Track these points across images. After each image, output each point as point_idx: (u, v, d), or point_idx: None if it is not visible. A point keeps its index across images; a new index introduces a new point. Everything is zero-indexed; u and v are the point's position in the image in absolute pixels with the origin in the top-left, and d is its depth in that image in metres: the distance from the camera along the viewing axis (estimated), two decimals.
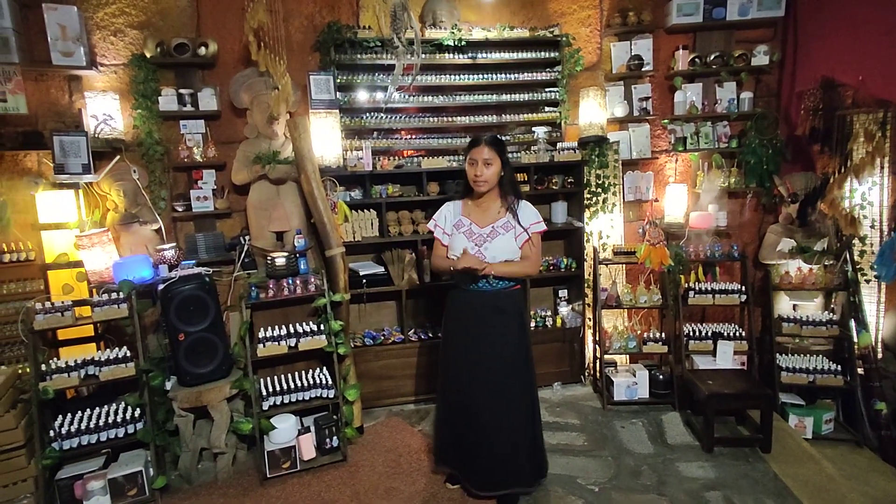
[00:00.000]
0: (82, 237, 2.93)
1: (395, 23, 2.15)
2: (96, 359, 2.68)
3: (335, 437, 2.98)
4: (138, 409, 2.74)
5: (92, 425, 2.59)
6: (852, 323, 3.48)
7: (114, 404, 2.77)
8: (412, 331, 3.70)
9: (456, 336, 2.46)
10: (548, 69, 3.85)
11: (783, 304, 3.83)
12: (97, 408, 2.73)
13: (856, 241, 3.59)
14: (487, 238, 2.34)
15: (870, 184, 3.53)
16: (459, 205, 2.48)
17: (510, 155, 3.73)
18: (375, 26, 3.23)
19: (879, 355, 3.63)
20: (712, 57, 3.82)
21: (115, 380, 2.70)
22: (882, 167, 3.50)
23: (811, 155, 3.82)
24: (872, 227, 3.60)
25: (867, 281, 3.57)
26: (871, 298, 3.68)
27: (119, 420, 2.67)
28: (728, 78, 3.87)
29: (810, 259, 3.62)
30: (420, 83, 3.66)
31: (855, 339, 3.45)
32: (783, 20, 3.79)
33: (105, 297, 2.74)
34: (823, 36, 3.37)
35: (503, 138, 3.81)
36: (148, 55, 3.24)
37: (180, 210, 3.40)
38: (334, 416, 3.04)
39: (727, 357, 3.46)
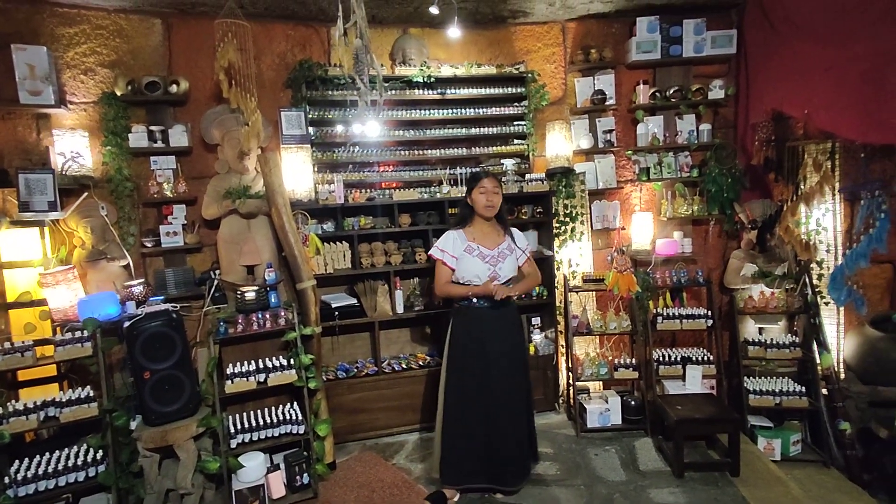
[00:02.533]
0: (46, 275, 2.89)
1: (358, 64, 2.23)
2: (57, 400, 2.61)
3: (306, 474, 2.93)
4: (100, 451, 2.66)
5: (50, 470, 2.50)
6: (815, 345, 3.58)
7: (75, 447, 2.69)
8: (385, 362, 3.69)
9: (469, 348, 2.71)
10: (515, 104, 3.98)
11: (750, 328, 3.93)
12: (57, 451, 2.65)
13: (814, 265, 3.73)
14: (498, 259, 2.71)
15: (823, 210, 3.70)
16: (462, 233, 2.76)
17: None
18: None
19: (842, 376, 3.73)
20: (671, 91, 4.00)
21: (77, 421, 2.63)
22: (833, 194, 3.68)
23: (768, 183, 3.99)
24: (828, 251, 3.76)
25: (826, 303, 3.69)
26: (831, 320, 3.81)
27: (80, 463, 2.58)
28: (687, 111, 4.05)
29: (771, 283, 3.73)
30: (392, 118, 3.77)
31: (818, 361, 3.55)
32: (735, 57, 4.01)
33: (68, 335, 2.69)
34: (771, 72, 3.56)
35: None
36: (118, 93, 3.28)
37: (150, 245, 3.39)
38: (305, 453, 2.99)
39: (696, 381, 3.52)
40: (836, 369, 3.62)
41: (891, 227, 3.45)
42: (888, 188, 2.99)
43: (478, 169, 3.75)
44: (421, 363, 3.70)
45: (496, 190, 2.71)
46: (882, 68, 2.82)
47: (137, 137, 3.33)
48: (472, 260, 2.68)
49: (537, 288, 3.89)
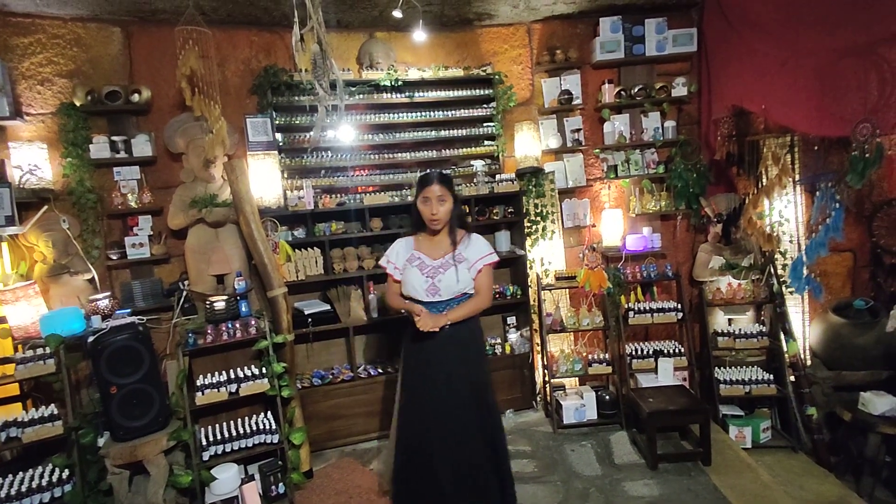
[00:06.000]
0: (6, 291, 2.82)
1: (316, 69, 2.23)
2: (19, 419, 2.54)
3: (281, 484, 2.91)
4: (67, 470, 2.60)
5: (13, 492, 2.43)
6: (781, 333, 3.67)
7: (39, 467, 2.62)
8: (361, 367, 3.67)
9: (416, 371, 2.41)
10: (484, 105, 4.00)
11: (719, 319, 4.02)
12: (21, 472, 2.57)
13: (778, 255, 3.83)
14: (440, 270, 2.33)
15: (785, 202, 3.81)
16: (411, 240, 2.47)
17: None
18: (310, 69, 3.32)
19: (808, 362, 3.84)
20: (636, 89, 4.07)
21: (42, 441, 2.56)
22: (795, 186, 3.78)
23: (732, 177, 4.08)
24: (791, 241, 3.86)
25: (791, 292, 3.79)
26: (796, 309, 3.91)
27: (45, 484, 2.52)
28: (652, 108, 4.12)
29: (738, 275, 3.83)
30: (361, 122, 3.76)
31: (785, 349, 3.64)
32: (697, 54, 4.10)
33: (30, 353, 2.62)
34: (730, 68, 3.65)
35: (447, 172, 3.92)
36: (78, 103, 3.20)
37: (115, 258, 3.32)
38: (280, 462, 2.96)
39: (668, 374, 3.58)
40: (802, 356, 3.73)
41: (848, 217, 3.58)
42: (840, 179, 3.08)
43: (428, 171, 2.87)
44: (397, 367, 3.68)
45: (443, 198, 2.29)
46: (833, 64, 2.92)
47: (99, 148, 3.26)
48: (412, 271, 2.35)
49: (511, 287, 3.92)
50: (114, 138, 3.30)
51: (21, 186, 3.02)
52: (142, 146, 3.34)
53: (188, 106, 3.19)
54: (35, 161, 3.09)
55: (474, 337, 2.42)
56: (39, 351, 2.63)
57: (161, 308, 3.38)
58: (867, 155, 2.58)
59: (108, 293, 3.16)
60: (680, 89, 4.08)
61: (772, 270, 3.73)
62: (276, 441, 2.92)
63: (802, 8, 3.07)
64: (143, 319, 2.88)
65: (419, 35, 3.50)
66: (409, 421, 2.45)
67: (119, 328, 2.72)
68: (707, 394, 3.78)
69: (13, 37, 3.16)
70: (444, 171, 2.43)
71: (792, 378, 3.64)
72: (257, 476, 2.91)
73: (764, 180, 3.77)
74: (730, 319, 4.00)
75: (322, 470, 3.27)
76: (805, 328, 3.92)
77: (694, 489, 2.83)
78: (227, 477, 2.77)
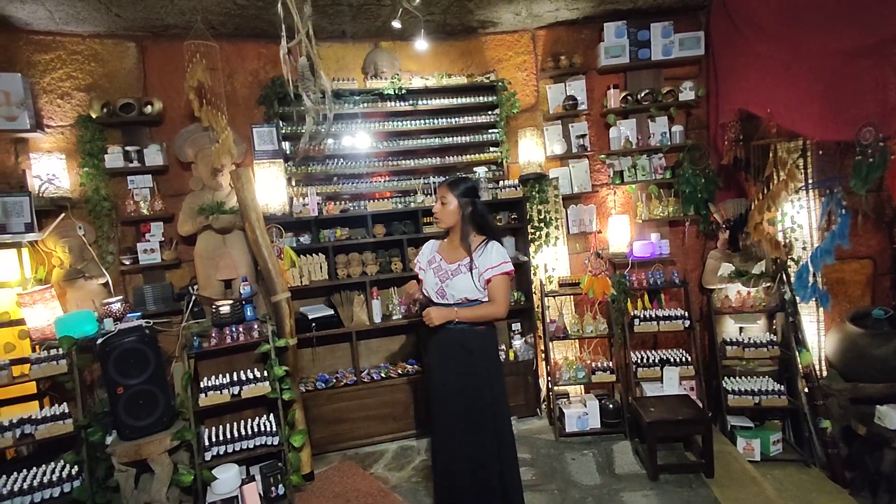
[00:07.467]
0: (24, 295, 2.96)
1: (304, 82, 2.29)
2: (33, 417, 2.67)
3: (281, 485, 2.96)
4: (76, 467, 2.71)
5: (25, 486, 2.56)
6: (794, 343, 3.55)
7: (52, 463, 2.74)
8: (365, 372, 3.72)
9: (433, 372, 2.51)
10: (487, 112, 4.02)
11: (730, 328, 3.92)
12: (35, 468, 2.70)
13: (790, 262, 3.72)
14: (450, 275, 2.37)
15: (797, 208, 3.70)
16: (437, 243, 2.57)
17: None
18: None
19: (823, 373, 3.71)
20: (643, 94, 4.02)
21: (56, 438, 2.69)
22: (808, 191, 3.67)
23: (741, 182, 3.99)
24: (804, 248, 3.75)
25: (799, 301, 3.67)
26: (811, 318, 3.79)
27: (55, 479, 2.64)
28: (659, 113, 4.06)
29: (748, 282, 3.73)
30: (366, 130, 3.82)
31: (798, 359, 3.52)
32: (705, 58, 4.03)
33: (44, 353, 2.75)
34: (736, 72, 3.58)
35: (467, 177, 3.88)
36: (94, 116, 3.36)
37: (128, 263, 3.45)
38: (281, 464, 3.02)
39: (674, 383, 3.51)
40: (815, 367, 3.60)
41: (867, 223, 3.46)
42: (845, 185, 2.99)
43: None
44: (401, 371, 3.72)
45: (444, 200, 2.37)
46: (837, 66, 2.83)
47: (113, 158, 3.41)
48: (429, 272, 2.46)
49: (515, 293, 3.91)
50: (128, 148, 3.44)
51: (40, 195, 3.18)
52: (154, 156, 3.48)
53: (197, 117, 3.31)
54: (54, 171, 3.26)
55: (483, 345, 2.39)
56: (53, 352, 2.76)
57: (172, 312, 3.50)
58: (871, 159, 2.49)
59: (120, 297, 3.28)
60: (688, 93, 4.01)
61: (783, 278, 3.62)
62: (276, 443, 2.98)
63: (805, 10, 2.99)
64: (150, 323, 2.98)
65: (421, 44, 3.54)
66: (433, 425, 2.53)
67: (127, 331, 2.82)
68: (715, 404, 3.69)
69: (35, 54, 3.34)
70: (461, 177, 2.60)
71: (805, 389, 3.52)
72: (258, 477, 2.98)
73: (773, 185, 3.68)
74: (741, 328, 3.90)
75: (323, 473, 3.31)
76: (820, 338, 3.78)
77: (694, 501, 2.76)
78: (227, 477, 2.84)
